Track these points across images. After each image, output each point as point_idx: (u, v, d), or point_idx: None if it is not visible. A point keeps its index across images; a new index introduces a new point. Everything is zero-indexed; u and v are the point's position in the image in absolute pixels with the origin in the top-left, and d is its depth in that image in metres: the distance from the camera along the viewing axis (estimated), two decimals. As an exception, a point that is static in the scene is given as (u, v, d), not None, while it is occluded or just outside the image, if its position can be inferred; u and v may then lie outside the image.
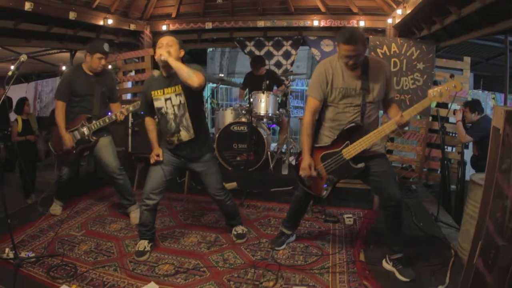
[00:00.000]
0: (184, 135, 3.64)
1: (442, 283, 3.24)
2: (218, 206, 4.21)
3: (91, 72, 4.42)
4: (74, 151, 4.50)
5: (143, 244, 3.81)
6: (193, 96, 3.55)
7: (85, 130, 4.43)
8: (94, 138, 4.48)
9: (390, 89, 3.37)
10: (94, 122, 4.43)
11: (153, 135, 3.87)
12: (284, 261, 3.69)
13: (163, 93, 3.60)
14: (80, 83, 4.38)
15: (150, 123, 3.87)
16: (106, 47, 4.37)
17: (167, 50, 3.42)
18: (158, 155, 3.77)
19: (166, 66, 3.45)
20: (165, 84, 3.56)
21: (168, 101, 3.59)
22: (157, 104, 3.66)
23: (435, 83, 6.13)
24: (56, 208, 4.87)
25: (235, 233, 4.16)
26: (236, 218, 4.20)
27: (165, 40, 3.52)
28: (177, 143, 3.69)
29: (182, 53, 3.58)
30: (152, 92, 3.64)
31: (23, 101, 6.82)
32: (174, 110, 3.60)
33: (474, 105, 5.74)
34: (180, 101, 3.57)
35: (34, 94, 11.88)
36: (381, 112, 3.64)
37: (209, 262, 3.68)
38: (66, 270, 3.49)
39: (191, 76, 3.26)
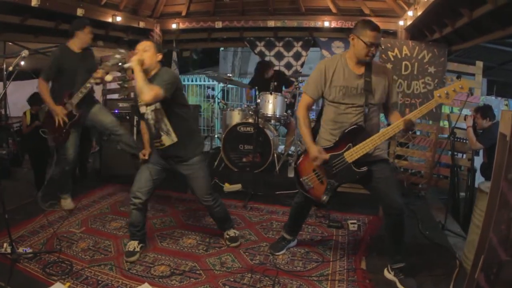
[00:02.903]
0: (166, 140, 3.60)
1: (444, 295, 3.15)
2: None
3: (79, 50, 4.60)
4: (64, 130, 4.58)
5: (133, 245, 3.77)
6: (168, 101, 3.45)
7: (68, 105, 4.53)
8: (79, 111, 4.61)
9: (392, 94, 3.31)
10: (74, 95, 4.52)
11: (145, 137, 3.90)
12: (282, 267, 3.62)
13: None
14: (69, 62, 4.51)
15: (143, 126, 3.87)
16: (87, 21, 4.69)
17: (141, 56, 3.38)
18: (144, 155, 3.83)
19: (143, 71, 3.38)
20: None
21: (148, 107, 3.55)
22: (141, 110, 3.63)
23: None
24: (66, 202, 4.89)
25: (228, 236, 4.09)
26: (227, 222, 4.14)
27: (141, 46, 3.46)
28: (161, 147, 3.66)
29: (160, 57, 3.52)
30: (137, 99, 3.61)
31: (38, 97, 6.85)
32: (152, 115, 3.55)
33: (485, 111, 5.61)
34: (155, 107, 3.50)
35: (44, 89, 11.91)
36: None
37: (206, 264, 3.63)
38: (62, 267, 3.47)
39: (142, 91, 3.19)
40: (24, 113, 6.64)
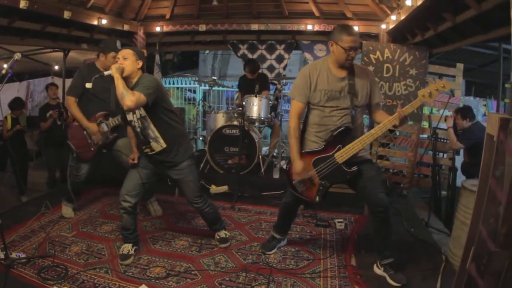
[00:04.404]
0: (155, 146, 3.63)
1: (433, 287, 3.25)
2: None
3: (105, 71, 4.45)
4: (92, 148, 4.53)
5: (127, 248, 3.78)
6: (153, 107, 3.46)
7: (103, 126, 4.47)
8: (114, 134, 4.53)
9: (375, 94, 3.40)
10: (111, 119, 4.47)
11: (133, 141, 3.90)
12: (275, 265, 3.69)
13: None
14: (95, 81, 4.37)
15: (130, 131, 3.88)
16: (118, 44, 4.48)
17: (121, 63, 3.40)
18: (133, 159, 3.82)
19: (124, 79, 3.38)
20: None
21: (134, 114, 3.55)
22: (128, 117, 3.63)
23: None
24: (68, 211, 4.82)
25: (218, 237, 4.14)
26: (217, 223, 4.17)
27: (121, 54, 3.48)
28: (150, 153, 3.68)
29: (140, 64, 3.52)
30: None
31: (20, 102, 6.78)
32: (138, 123, 3.57)
33: (465, 112, 5.76)
34: (140, 115, 3.52)
35: (26, 93, 11.77)
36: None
37: (200, 265, 3.67)
38: (57, 271, 3.46)
39: (123, 97, 3.19)
40: (5, 117, 6.58)
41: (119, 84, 3.24)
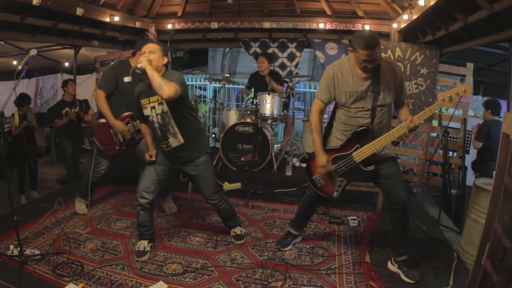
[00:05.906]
0: (173, 142, 3.63)
1: (446, 284, 3.29)
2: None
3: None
4: (117, 147, 4.59)
5: (143, 244, 3.80)
6: (175, 103, 3.48)
7: (130, 127, 4.52)
8: (140, 135, 4.54)
9: (401, 92, 3.38)
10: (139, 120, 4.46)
11: (148, 138, 3.89)
12: (291, 262, 3.72)
13: (149, 102, 3.58)
14: (127, 79, 4.38)
15: (144, 128, 3.88)
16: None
17: (148, 57, 3.40)
18: (151, 156, 3.81)
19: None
20: (150, 93, 3.50)
21: (153, 109, 3.57)
22: (145, 112, 3.64)
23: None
24: (81, 207, 4.84)
25: (234, 234, 4.17)
26: (233, 220, 4.19)
27: (148, 48, 3.48)
28: (167, 149, 3.69)
29: (166, 60, 3.55)
30: (141, 101, 3.63)
31: (26, 97, 6.82)
32: (158, 118, 3.58)
33: (487, 103, 6.07)
34: (162, 110, 3.54)
35: (35, 90, 11.82)
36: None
37: (216, 261, 3.71)
38: (72, 268, 3.48)
39: (162, 87, 3.20)
40: (13, 114, 6.62)
41: (155, 75, 3.25)
